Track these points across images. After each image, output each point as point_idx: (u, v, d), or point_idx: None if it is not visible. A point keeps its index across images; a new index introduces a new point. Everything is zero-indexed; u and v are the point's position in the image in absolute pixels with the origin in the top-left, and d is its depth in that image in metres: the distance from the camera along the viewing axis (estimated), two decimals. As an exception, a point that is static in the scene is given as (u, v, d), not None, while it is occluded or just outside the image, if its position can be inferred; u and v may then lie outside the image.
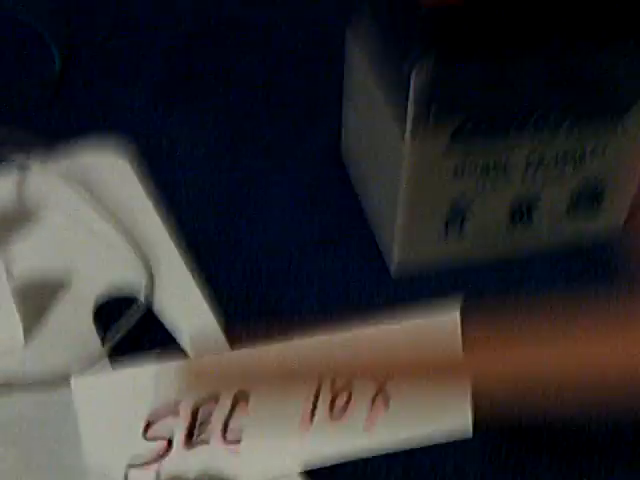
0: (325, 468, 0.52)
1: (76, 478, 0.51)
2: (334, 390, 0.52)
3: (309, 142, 0.70)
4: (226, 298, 0.60)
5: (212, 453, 0.51)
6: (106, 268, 0.61)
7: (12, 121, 0.68)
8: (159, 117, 0.72)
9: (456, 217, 0.60)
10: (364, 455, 0.53)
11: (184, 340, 0.57)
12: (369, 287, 0.61)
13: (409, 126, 0.55)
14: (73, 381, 0.50)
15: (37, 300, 0.59)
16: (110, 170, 0.66)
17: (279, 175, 0.68)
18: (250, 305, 0.60)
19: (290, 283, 0.61)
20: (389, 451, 0.53)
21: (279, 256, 0.63)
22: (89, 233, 0.63)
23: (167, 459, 0.51)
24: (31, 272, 0.60)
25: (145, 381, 0.51)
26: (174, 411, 0.51)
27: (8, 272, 0.57)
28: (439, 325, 0.53)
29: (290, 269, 0.62)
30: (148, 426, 0.51)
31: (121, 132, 0.69)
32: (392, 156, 0.59)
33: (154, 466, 0.51)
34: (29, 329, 0.57)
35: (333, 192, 0.67)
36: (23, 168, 0.65)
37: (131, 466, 0.50)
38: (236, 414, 0.51)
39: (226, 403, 0.51)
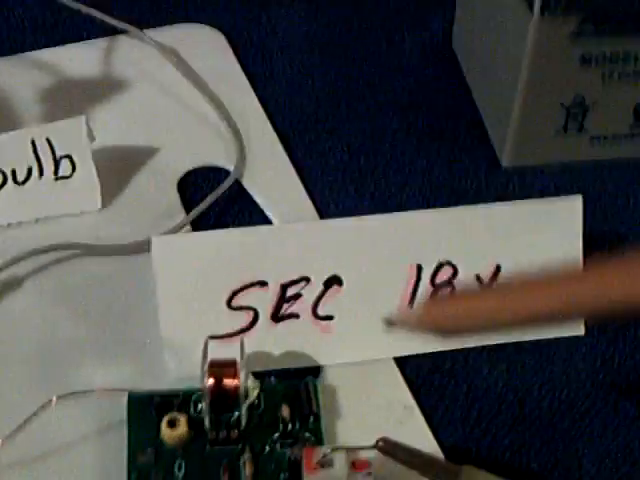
0: (423, 356, 0.48)
1: (151, 349, 0.47)
2: (438, 269, 0.47)
3: (418, 31, 0.65)
4: (318, 178, 0.56)
5: (300, 330, 0.47)
6: (196, 139, 0.57)
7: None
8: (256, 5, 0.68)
9: (578, 111, 0.55)
10: (465, 345, 0.48)
11: (273, 213, 0.54)
12: (479, 180, 0.57)
13: (537, 9, 0.51)
14: (153, 240, 0.46)
15: (121, 166, 0.55)
16: (205, 43, 0.63)
17: (385, 63, 0.63)
18: (344, 188, 0.56)
19: (393, 171, 0.57)
20: (493, 342, 0.48)
21: (382, 145, 0.58)
22: (180, 103, 0.59)
23: (251, 332, 0.47)
24: (117, 138, 0.56)
25: (231, 247, 0.47)
26: (261, 282, 0.47)
27: (92, 136, 0.53)
28: (559, 211, 0.48)
29: (393, 158, 0.58)
30: (233, 295, 0.47)
31: (218, 12, 0.66)
32: (515, 42, 0.54)
33: (237, 338, 0.46)
34: (111, 193, 0.54)
35: (442, 83, 0.62)
36: (116, 35, 0.62)
37: (212, 337, 0.46)
38: (330, 292, 0.47)
39: (319, 280, 0.47)
